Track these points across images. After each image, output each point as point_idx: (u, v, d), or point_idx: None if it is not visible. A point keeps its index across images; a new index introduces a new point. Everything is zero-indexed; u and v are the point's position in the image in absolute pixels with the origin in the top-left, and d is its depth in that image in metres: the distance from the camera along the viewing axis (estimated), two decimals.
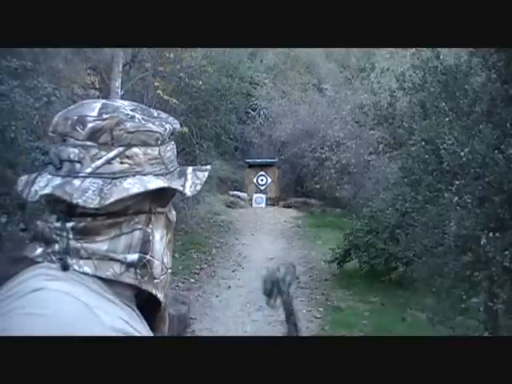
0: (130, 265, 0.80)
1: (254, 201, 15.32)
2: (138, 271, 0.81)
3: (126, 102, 0.86)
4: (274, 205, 15.31)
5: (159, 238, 0.84)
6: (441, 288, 5.02)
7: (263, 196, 15.42)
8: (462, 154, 4.39)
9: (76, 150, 0.77)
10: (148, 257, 0.82)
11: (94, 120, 0.78)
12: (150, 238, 0.83)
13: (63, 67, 6.72)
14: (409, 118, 6.08)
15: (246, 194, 15.38)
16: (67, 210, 0.78)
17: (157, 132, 0.82)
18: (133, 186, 0.77)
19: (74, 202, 0.74)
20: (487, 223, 4.44)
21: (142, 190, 0.77)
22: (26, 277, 0.74)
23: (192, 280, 8.13)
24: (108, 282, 0.79)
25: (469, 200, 4.36)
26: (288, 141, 15.25)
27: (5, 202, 4.52)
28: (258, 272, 8.76)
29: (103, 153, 0.77)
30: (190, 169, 0.88)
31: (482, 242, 4.17)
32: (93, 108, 0.80)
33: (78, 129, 0.77)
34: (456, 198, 4.43)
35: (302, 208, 14.65)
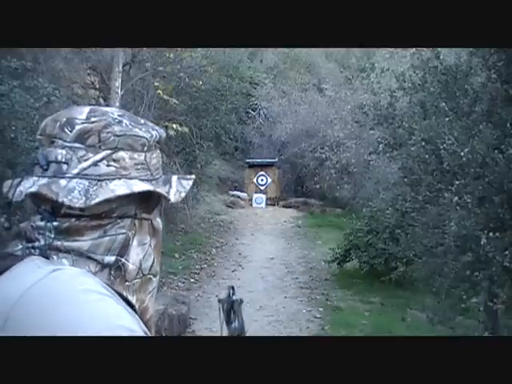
0: (105, 265, 0.81)
1: (253, 201, 15.30)
2: (112, 272, 0.81)
3: (114, 109, 0.88)
4: (274, 205, 15.30)
5: (137, 244, 0.84)
6: (441, 288, 5.02)
7: (263, 196, 15.41)
8: (461, 154, 4.39)
9: (63, 152, 0.78)
10: (123, 260, 0.82)
11: (82, 122, 0.79)
12: (130, 242, 0.83)
13: (63, 67, 6.71)
14: (409, 118, 6.07)
15: (246, 194, 15.38)
16: (52, 209, 0.78)
17: (143, 137, 0.84)
18: (119, 187, 0.78)
19: (60, 200, 0.75)
20: (487, 223, 4.44)
21: (128, 191, 0.79)
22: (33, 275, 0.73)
23: (192, 280, 8.13)
24: None
25: (469, 200, 4.36)
26: (288, 141, 15.23)
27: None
28: (258, 272, 8.78)
29: (90, 155, 0.78)
30: (174, 177, 0.90)
31: (482, 242, 4.17)
32: (81, 111, 0.81)
33: (66, 130, 0.78)
34: (456, 198, 4.43)
35: (301, 208, 14.65)
